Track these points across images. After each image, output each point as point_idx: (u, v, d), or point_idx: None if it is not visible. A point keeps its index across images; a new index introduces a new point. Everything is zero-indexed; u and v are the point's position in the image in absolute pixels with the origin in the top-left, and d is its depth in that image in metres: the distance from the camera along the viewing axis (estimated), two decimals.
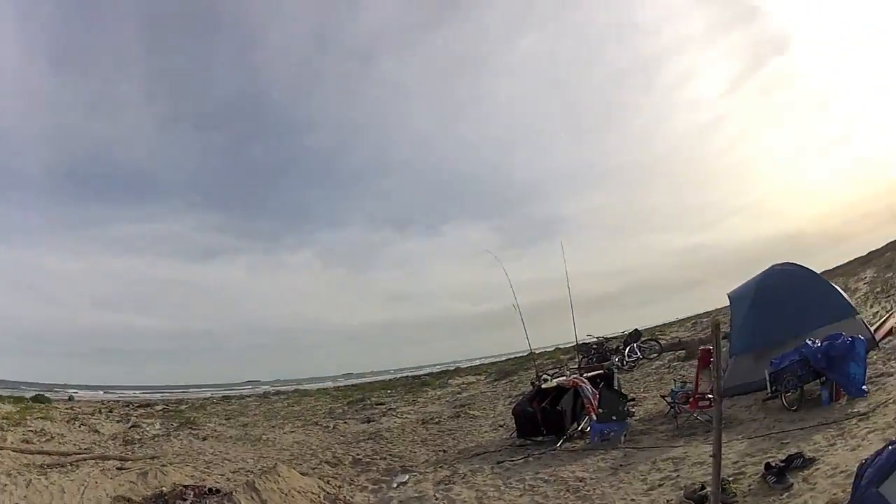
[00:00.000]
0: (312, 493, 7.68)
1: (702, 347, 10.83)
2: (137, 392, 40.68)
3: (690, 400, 9.23)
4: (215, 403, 24.39)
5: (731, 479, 5.85)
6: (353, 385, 33.17)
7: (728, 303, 11.63)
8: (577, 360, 19.04)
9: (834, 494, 4.81)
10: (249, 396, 27.62)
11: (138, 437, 13.48)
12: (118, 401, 24.53)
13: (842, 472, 5.18)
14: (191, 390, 42.84)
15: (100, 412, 17.83)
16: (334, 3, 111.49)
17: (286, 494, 7.24)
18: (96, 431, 13.57)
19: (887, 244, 30.70)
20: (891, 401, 6.94)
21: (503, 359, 32.08)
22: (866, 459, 4.22)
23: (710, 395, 8.58)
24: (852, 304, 11.15)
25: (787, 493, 5.25)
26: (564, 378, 11.60)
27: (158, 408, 21.22)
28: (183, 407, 22.17)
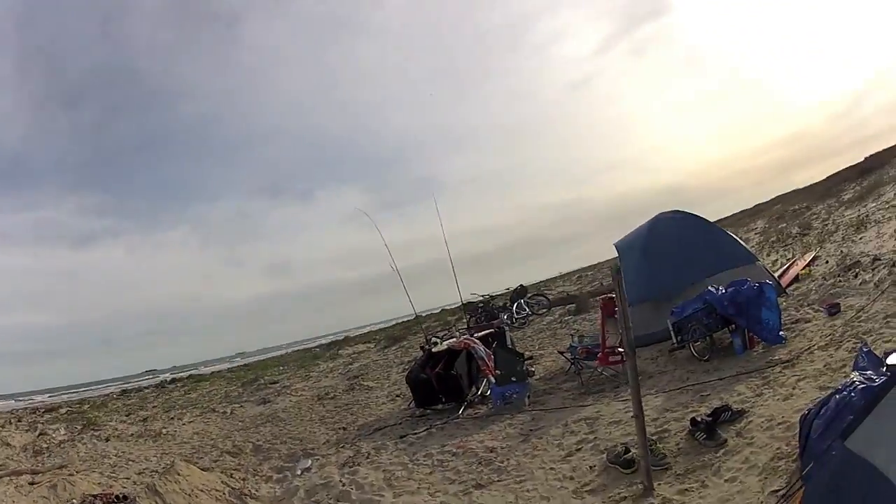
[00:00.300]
0: (216, 489, 6.95)
1: (602, 297, 10.39)
2: (46, 396, 37.69)
3: (599, 355, 8.74)
4: (115, 399, 22.63)
5: (655, 438, 5.31)
6: (246, 365, 31.49)
7: (616, 254, 11.36)
8: (464, 320, 18.47)
9: (777, 449, 4.32)
10: (148, 388, 25.63)
11: (46, 446, 12.03)
12: (26, 408, 22.07)
13: (779, 423, 4.74)
14: (93, 387, 40.63)
15: (10, 423, 15.84)
16: None
17: (189, 495, 6.58)
18: (7, 444, 11.82)
19: (775, 197, 32.85)
20: (815, 347, 6.69)
21: (391, 324, 31.31)
22: (809, 409, 3.79)
23: (620, 350, 8.09)
24: (750, 250, 11.20)
25: (722, 451, 4.73)
26: (454, 339, 10.88)
27: (63, 411, 19.33)
28: (85, 407, 20.33)
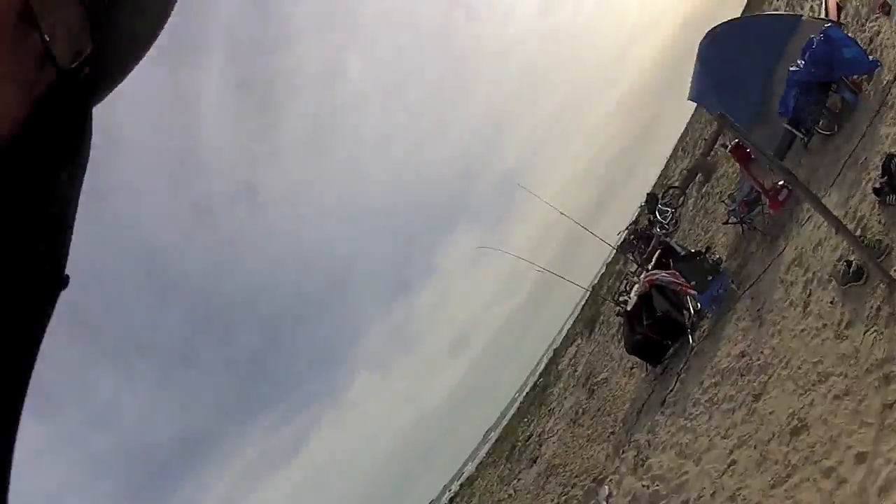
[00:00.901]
0: None
1: (731, 148, 9.91)
2: None
3: (769, 203, 8.33)
4: None
5: (860, 233, 5.12)
6: (498, 438, 32.14)
7: (697, 107, 10.99)
8: (629, 262, 18.13)
9: None
10: None
11: None
12: None
13: None
14: None
15: None
16: None
17: None
18: None
19: None
20: None
21: (576, 313, 31.01)
22: None
23: (780, 183, 7.76)
24: (786, 12, 10.55)
25: None
26: (638, 286, 10.82)
27: None
28: None
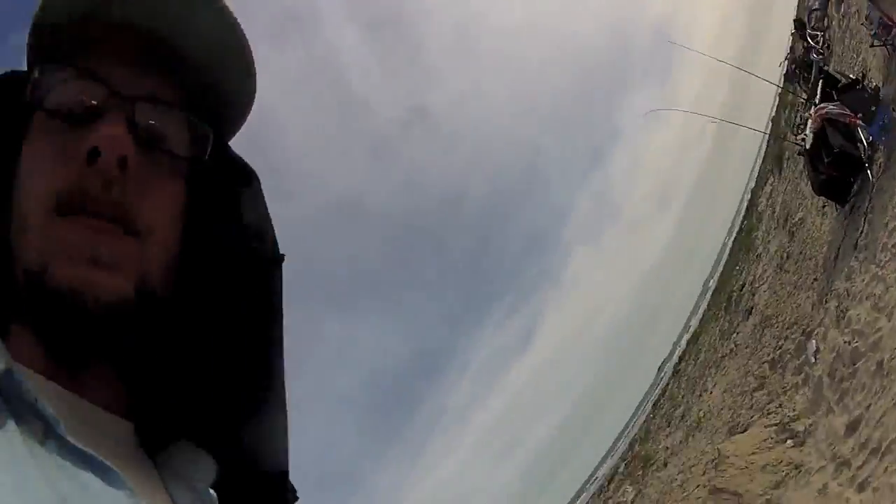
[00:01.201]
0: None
1: None
2: None
3: None
4: None
5: None
6: None
7: None
8: (798, 94, 16.03)
9: None
10: None
11: None
12: None
13: None
14: None
15: None
16: None
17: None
18: None
19: None
20: None
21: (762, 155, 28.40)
22: None
23: None
24: None
25: None
26: (811, 122, 9.94)
27: None
28: None
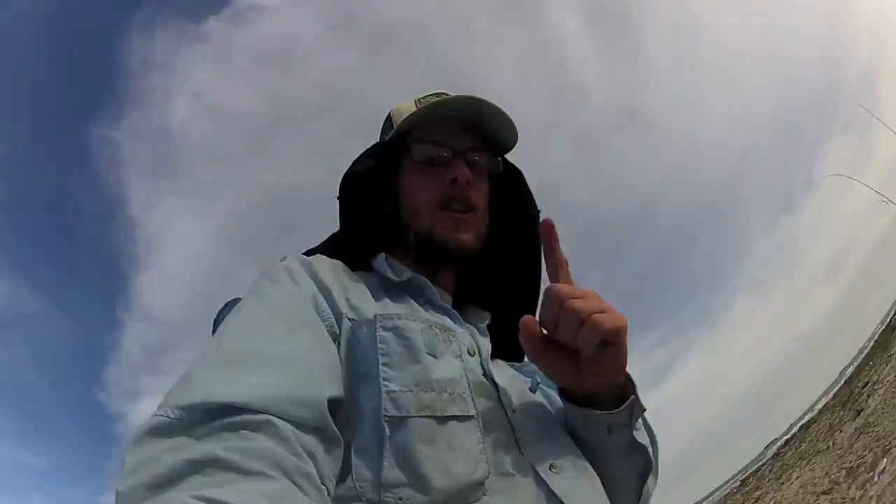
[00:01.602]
0: None
1: None
2: None
3: None
4: None
5: None
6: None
7: None
8: None
9: None
10: None
11: None
12: None
13: None
14: None
15: None
16: None
17: None
18: None
19: None
20: None
21: None
22: None
23: None
24: None
25: None
26: None
27: None
28: None
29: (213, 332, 0.85)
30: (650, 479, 0.99)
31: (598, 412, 0.91)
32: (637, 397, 0.92)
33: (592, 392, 0.91)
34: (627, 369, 0.90)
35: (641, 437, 0.95)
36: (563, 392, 0.96)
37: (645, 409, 0.93)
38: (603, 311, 0.82)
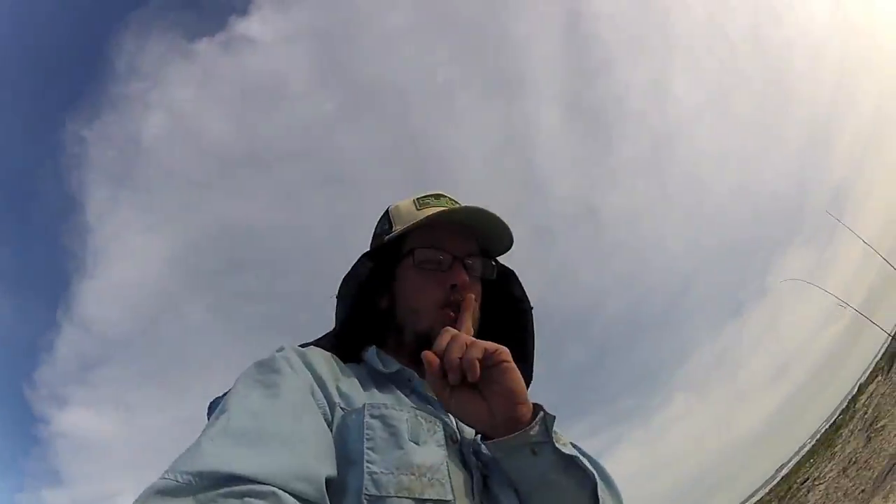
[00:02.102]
0: None
1: None
2: None
3: None
4: None
5: None
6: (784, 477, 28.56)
7: None
8: None
9: None
10: None
11: None
12: None
13: None
14: None
15: None
16: None
17: None
18: None
19: None
20: None
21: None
22: None
23: None
24: None
25: None
26: None
27: None
28: None
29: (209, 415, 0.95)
30: (603, 493, 0.99)
31: (513, 434, 0.94)
32: (544, 409, 0.96)
33: (507, 427, 0.95)
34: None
35: (568, 449, 0.98)
36: (484, 438, 0.99)
37: (555, 417, 0.96)
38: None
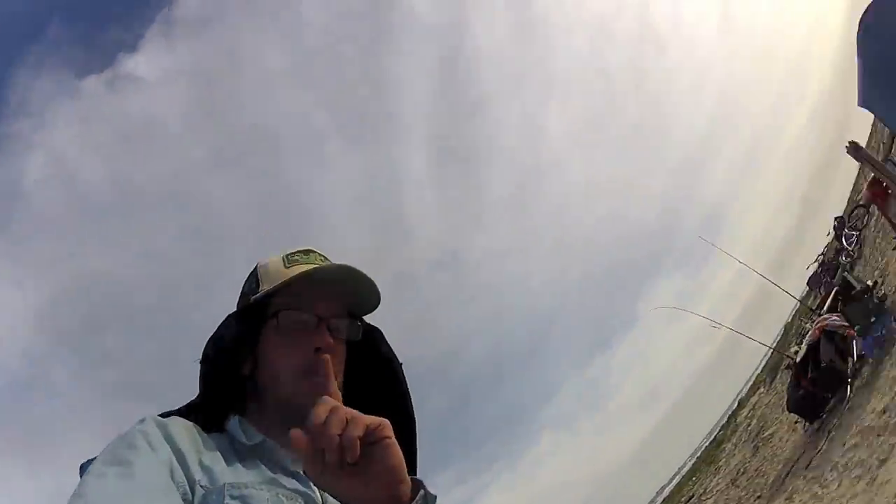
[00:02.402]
0: None
1: (866, 190, 7.70)
2: None
3: None
4: None
5: None
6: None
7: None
8: (814, 301, 15.08)
9: None
10: None
11: None
12: None
13: None
14: None
15: None
16: None
17: None
18: None
19: None
20: None
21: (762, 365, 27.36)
22: None
23: None
24: None
25: None
26: (809, 333, 9.27)
27: None
28: None
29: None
30: None
31: None
32: (424, 487, 0.90)
33: None
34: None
35: None
36: None
37: (436, 496, 0.91)
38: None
